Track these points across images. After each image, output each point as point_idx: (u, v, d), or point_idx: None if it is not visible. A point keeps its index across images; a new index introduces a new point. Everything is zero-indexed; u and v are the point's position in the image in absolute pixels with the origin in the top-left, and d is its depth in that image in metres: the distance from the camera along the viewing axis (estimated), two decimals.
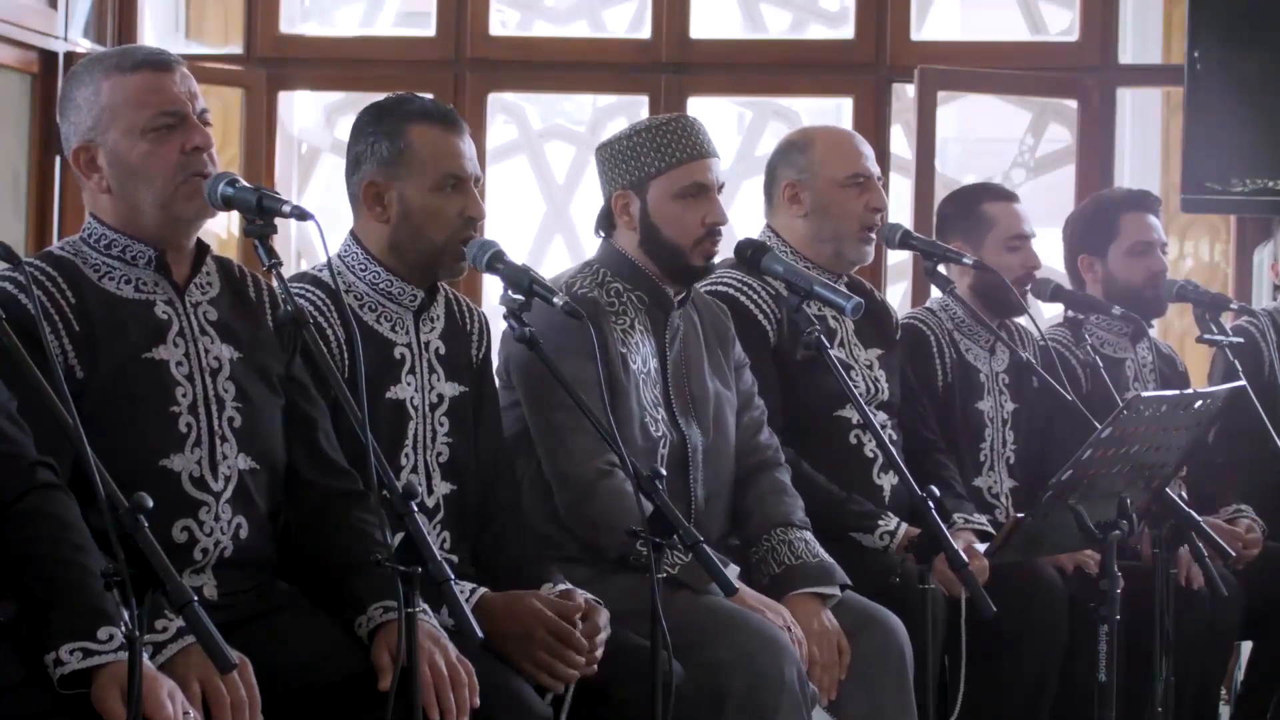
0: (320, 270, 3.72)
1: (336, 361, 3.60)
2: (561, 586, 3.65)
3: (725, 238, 4.24)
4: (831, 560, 4.18)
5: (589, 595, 3.62)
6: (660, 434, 4.11)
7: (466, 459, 3.76)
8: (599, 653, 3.55)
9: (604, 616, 3.58)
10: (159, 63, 3.31)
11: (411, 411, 3.70)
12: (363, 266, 3.73)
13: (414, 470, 3.68)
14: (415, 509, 2.99)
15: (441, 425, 3.74)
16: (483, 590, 3.53)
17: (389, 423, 3.66)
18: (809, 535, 4.21)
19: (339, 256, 3.76)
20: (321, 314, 3.64)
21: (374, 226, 3.72)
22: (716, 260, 4.22)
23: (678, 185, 4.14)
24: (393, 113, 3.72)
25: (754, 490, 4.28)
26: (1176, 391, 4.35)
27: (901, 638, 4.16)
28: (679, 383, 4.18)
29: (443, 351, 3.78)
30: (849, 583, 4.19)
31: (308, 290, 3.66)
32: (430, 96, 3.86)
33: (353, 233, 3.77)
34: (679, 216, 4.14)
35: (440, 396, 3.75)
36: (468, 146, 3.74)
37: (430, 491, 3.70)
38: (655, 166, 4.14)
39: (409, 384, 3.71)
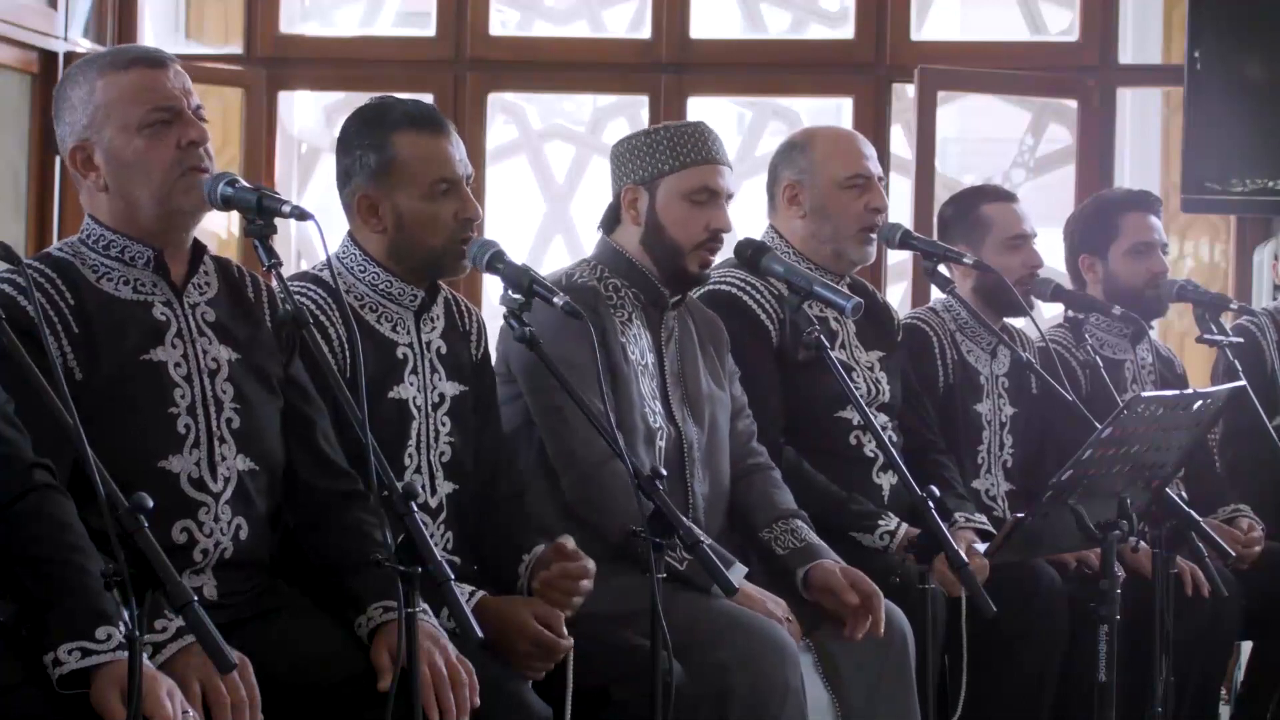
0: (321, 270, 3.72)
1: (338, 361, 3.60)
2: (541, 547, 3.65)
3: (726, 238, 4.24)
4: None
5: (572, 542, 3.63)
6: (658, 426, 4.12)
7: (468, 458, 3.76)
8: (579, 600, 3.58)
9: (590, 565, 3.61)
10: (152, 60, 3.32)
11: (414, 411, 3.70)
12: (361, 268, 3.72)
13: (418, 470, 3.68)
14: (415, 509, 2.99)
15: (444, 425, 3.73)
16: (481, 593, 3.53)
17: (392, 423, 3.65)
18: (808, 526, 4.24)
19: (337, 258, 3.75)
20: (323, 313, 3.64)
21: (372, 236, 3.72)
22: (713, 267, 4.23)
23: (688, 186, 4.17)
24: (377, 123, 3.69)
25: (757, 488, 4.29)
26: (1176, 392, 4.35)
27: (903, 626, 4.18)
28: (675, 380, 4.19)
29: (444, 351, 3.77)
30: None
31: (309, 289, 3.66)
32: (413, 98, 3.82)
33: (350, 235, 3.76)
34: (685, 217, 4.16)
35: (442, 396, 3.75)
36: (456, 148, 3.71)
37: (434, 491, 3.69)
38: (668, 165, 4.18)
39: (411, 384, 3.71)
